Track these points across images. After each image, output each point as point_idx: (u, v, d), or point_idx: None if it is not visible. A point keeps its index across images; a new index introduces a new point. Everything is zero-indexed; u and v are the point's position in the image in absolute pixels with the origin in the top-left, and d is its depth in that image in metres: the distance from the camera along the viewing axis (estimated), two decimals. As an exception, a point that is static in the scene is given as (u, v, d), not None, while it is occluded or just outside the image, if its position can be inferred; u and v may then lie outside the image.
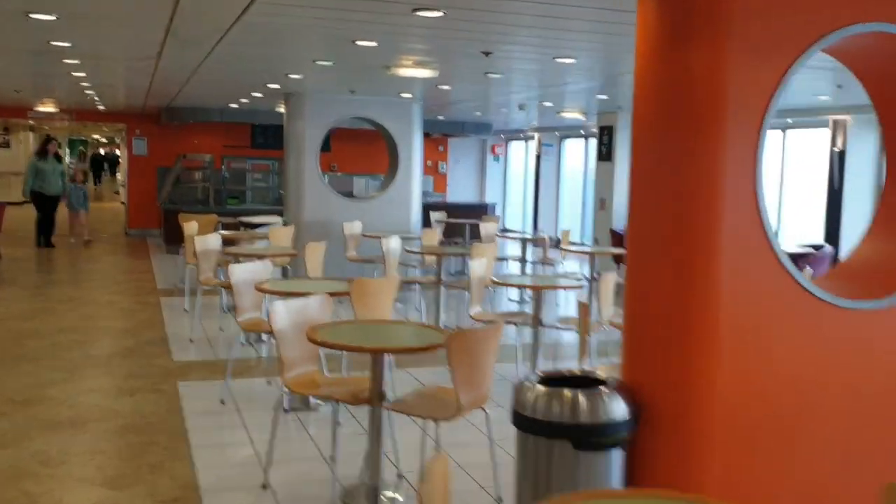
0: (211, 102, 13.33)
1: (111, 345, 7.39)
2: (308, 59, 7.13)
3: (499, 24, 5.38)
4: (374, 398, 3.98)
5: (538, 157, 17.55)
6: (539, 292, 6.32)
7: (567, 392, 3.02)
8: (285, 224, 10.53)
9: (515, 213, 19.53)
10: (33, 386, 5.99)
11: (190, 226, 9.22)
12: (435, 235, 9.76)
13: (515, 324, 6.59)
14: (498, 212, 17.67)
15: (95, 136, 40.16)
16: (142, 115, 16.75)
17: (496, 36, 5.85)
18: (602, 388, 3.09)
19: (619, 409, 3.03)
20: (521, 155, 19.38)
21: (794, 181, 11.51)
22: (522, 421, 3.09)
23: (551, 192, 17.54)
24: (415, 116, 10.91)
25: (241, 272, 5.85)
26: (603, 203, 12.15)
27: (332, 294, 5.16)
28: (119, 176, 28.91)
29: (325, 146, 18.49)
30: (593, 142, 16.06)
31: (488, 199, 19.39)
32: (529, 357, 6.23)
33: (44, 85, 11.72)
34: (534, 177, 17.79)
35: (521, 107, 11.22)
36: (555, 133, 17.11)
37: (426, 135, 18.87)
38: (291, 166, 10.62)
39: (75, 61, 8.41)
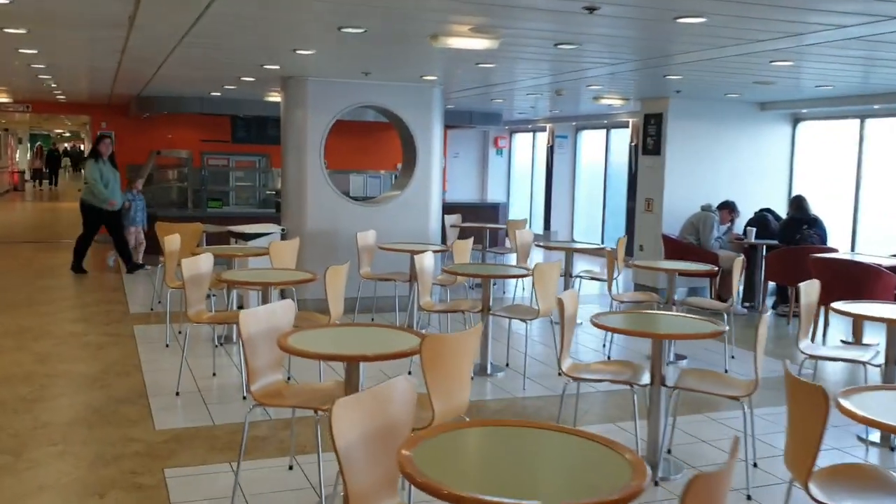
0: (189, 90, 11.50)
1: (73, 404, 5.62)
2: (333, 26, 5.39)
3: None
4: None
5: (550, 150, 15.90)
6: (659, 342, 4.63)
7: None
8: (284, 236, 8.79)
9: (520, 212, 17.86)
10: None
11: (171, 240, 7.45)
12: (467, 248, 8.05)
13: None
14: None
15: (58, 131, 37.67)
16: (108, 107, 14.86)
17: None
18: None
19: None
20: (527, 148, 17.72)
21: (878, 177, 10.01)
22: None
23: (565, 189, 15.91)
24: (435, 104, 9.21)
25: (255, 322, 4.12)
26: (649, 203, 10.53)
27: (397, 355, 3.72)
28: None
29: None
30: (618, 133, 14.45)
31: (490, 197, 17.74)
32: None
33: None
34: (544, 172, 16.13)
35: (558, 92, 9.57)
36: (570, 124, 15.48)
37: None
38: (291, 164, 8.87)
39: (20, 30, 6.56)
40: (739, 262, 7.20)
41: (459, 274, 6.67)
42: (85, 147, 27.17)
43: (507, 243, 11.62)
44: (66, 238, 15.59)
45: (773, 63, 6.66)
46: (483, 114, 14.68)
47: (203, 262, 6.12)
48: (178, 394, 5.87)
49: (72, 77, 10.17)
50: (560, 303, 4.69)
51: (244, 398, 5.80)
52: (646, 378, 4.58)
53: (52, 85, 10.84)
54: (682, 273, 7.45)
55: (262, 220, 12.58)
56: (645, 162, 10.60)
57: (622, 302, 7.53)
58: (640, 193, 10.80)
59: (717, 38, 5.59)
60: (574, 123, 15.20)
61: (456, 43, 5.44)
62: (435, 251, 8.02)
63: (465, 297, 8.55)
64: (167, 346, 7.29)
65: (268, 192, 13.87)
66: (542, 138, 16.57)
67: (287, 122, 8.87)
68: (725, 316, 7.27)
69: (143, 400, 5.72)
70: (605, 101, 10.51)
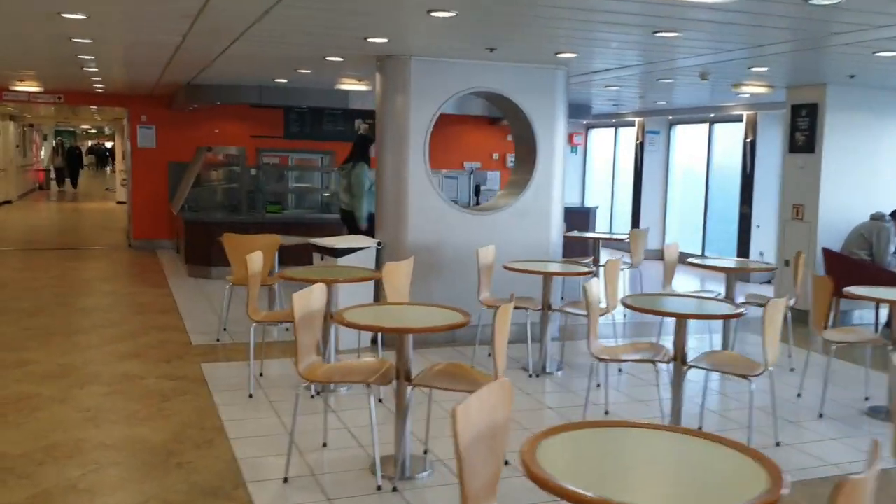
0: (249, 77, 9.88)
1: (143, 498, 4.02)
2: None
3: None
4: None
5: (640, 148, 14.19)
6: None
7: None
8: (380, 251, 7.17)
9: (598, 217, 16.13)
10: None
11: (254, 259, 5.83)
12: (615, 270, 6.37)
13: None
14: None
15: (85, 127, 36.15)
16: (149, 98, 13.32)
17: None
18: None
19: None
20: (606, 145, 16.01)
21: None
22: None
23: (656, 191, 14.19)
24: (559, 90, 7.55)
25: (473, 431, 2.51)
26: (798, 210, 8.82)
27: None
28: (116, 168, 25.01)
29: (373, 135, 15.15)
30: (724, 128, 12.73)
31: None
32: None
33: (26, 54, 8.35)
34: (632, 173, 14.42)
35: (703, 76, 7.89)
36: (664, 117, 13.76)
37: (490, 120, 15.61)
38: (388, 164, 7.25)
39: (78, 16, 5.03)
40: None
41: (645, 311, 4.99)
42: (118, 143, 25.32)
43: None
44: (96, 245, 14.11)
45: None
46: (573, 105, 12.81)
47: (317, 297, 4.49)
48: (286, 480, 4.25)
49: (119, 60, 8.60)
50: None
51: (379, 488, 4.17)
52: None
53: (93, 67, 9.27)
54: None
55: (329, 228, 11.01)
56: (794, 161, 8.88)
57: (837, 343, 5.82)
58: (785, 198, 9.07)
59: None
60: (669, 117, 13.47)
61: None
62: (581, 273, 6.37)
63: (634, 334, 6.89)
64: (250, 396, 5.68)
65: (325, 195, 12.27)
66: (628, 134, 14.87)
67: (384, 112, 7.24)
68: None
69: (239, 491, 4.11)
70: (747, 90, 8.80)
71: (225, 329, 7.57)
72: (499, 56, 6.97)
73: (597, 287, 5.19)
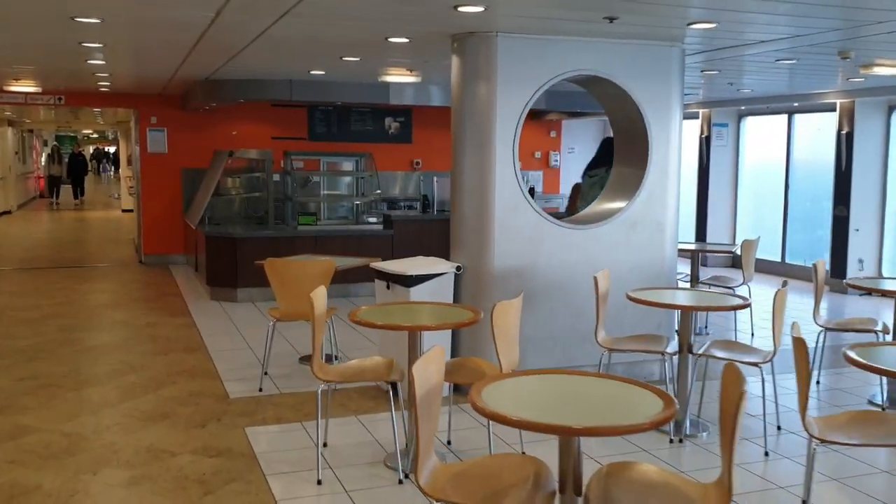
0: (281, 68, 8.45)
1: None
2: None
3: None
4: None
5: (705, 142, 12.76)
6: None
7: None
8: (460, 276, 5.76)
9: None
10: None
11: (319, 298, 4.40)
12: (783, 303, 4.92)
13: None
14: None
15: (87, 132, 34.67)
16: (159, 98, 11.93)
17: None
18: None
19: None
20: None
21: None
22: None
23: (724, 190, 12.75)
24: (675, 73, 6.13)
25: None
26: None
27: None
28: (121, 175, 23.32)
29: (406, 135, 13.81)
30: (807, 119, 11.30)
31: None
32: None
33: (25, 50, 6.96)
34: (696, 170, 12.98)
35: (844, 55, 6.48)
36: (733, 108, 12.33)
37: (531, 114, 14.19)
38: (467, 167, 5.83)
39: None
40: None
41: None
42: (122, 147, 23.51)
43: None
44: (102, 261, 12.73)
45: None
46: None
47: (438, 366, 3.09)
48: None
49: (132, 48, 7.21)
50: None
51: None
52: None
53: (99, 61, 7.87)
54: None
55: (371, 242, 9.62)
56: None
57: None
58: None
59: None
60: (743, 107, 12.02)
61: None
62: (735, 307, 4.93)
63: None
64: (319, 482, 4.27)
65: (357, 202, 10.87)
66: (689, 127, 13.42)
67: (463, 104, 5.82)
68: None
69: None
70: (879, 71, 7.37)
71: (266, 373, 6.17)
72: (602, 31, 5.57)
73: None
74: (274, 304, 6.37)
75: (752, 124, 12.51)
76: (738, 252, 7.84)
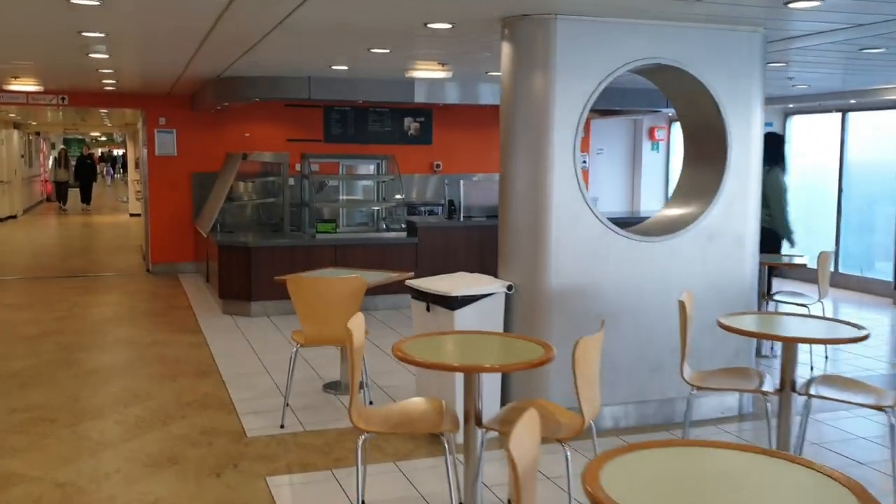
0: (299, 64, 7.71)
1: None
2: None
3: None
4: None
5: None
6: None
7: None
8: (511, 296, 5.00)
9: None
10: None
11: (357, 328, 3.64)
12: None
13: None
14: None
15: (95, 134, 34.06)
16: (167, 98, 11.23)
17: None
18: None
19: None
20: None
21: None
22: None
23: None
24: (756, 61, 5.35)
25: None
26: None
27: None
28: (129, 178, 22.51)
29: (426, 136, 13.06)
30: (861, 117, 10.51)
31: (643, 206, 13.83)
32: None
33: (21, 42, 6.25)
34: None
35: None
36: (778, 107, 11.53)
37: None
38: (519, 170, 5.07)
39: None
40: None
41: None
42: (129, 150, 22.70)
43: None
44: (108, 270, 12.03)
45: None
46: (640, 91, 10.48)
47: (535, 427, 2.33)
48: None
49: (139, 41, 6.49)
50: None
51: None
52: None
53: (102, 55, 7.15)
54: None
55: (396, 252, 8.89)
56: None
57: None
58: None
59: None
60: (791, 105, 11.22)
61: None
62: (854, 339, 4.15)
63: None
64: (362, 555, 3.52)
65: (377, 208, 10.11)
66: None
67: (514, 96, 5.06)
68: None
69: None
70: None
71: (287, 404, 5.43)
72: (678, 13, 4.81)
73: None
74: (289, 318, 5.64)
75: (799, 123, 11.71)
76: (810, 264, 7.05)
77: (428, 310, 4.98)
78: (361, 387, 5.72)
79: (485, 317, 4.86)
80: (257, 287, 8.47)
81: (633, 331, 5.18)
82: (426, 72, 7.79)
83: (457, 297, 4.77)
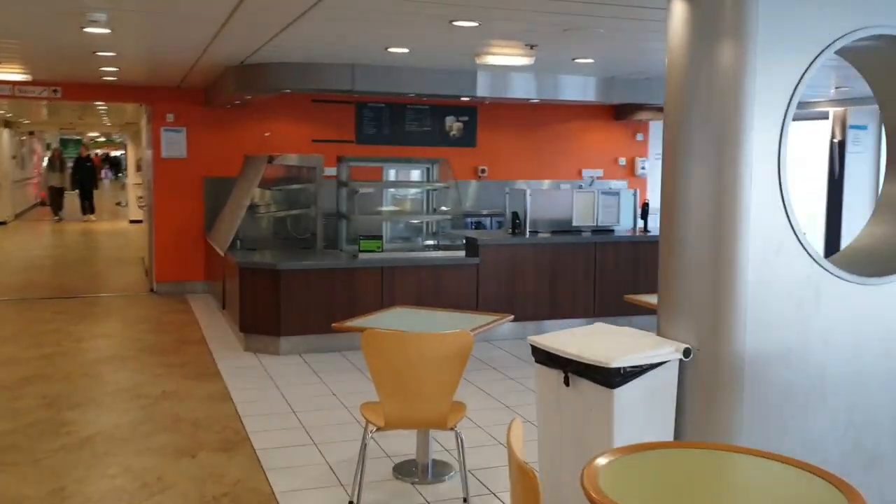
0: (345, 46, 6.20)
1: None
2: None
3: None
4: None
5: (838, 148, 10.50)
6: None
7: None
8: (686, 364, 3.48)
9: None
10: None
11: (515, 439, 2.14)
12: None
13: None
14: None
15: (93, 134, 32.43)
16: (176, 92, 9.74)
17: None
18: None
19: None
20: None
21: None
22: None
23: (864, 207, 10.47)
24: None
25: None
26: None
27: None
28: (130, 181, 20.77)
29: (470, 138, 11.57)
30: None
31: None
32: None
33: (5, 14, 4.78)
34: (826, 181, 10.71)
35: None
36: (874, 108, 10.04)
37: (615, 112, 11.96)
38: (693, 179, 3.57)
39: None
40: None
41: None
42: (129, 152, 20.82)
43: None
44: (107, 290, 10.52)
45: None
46: None
47: None
48: None
49: (149, 22, 4.98)
50: None
51: None
52: None
53: (104, 29, 5.62)
54: None
55: (456, 274, 7.42)
56: None
57: None
58: None
59: None
60: (897, 106, 9.74)
61: None
62: None
63: None
64: None
65: (429, 220, 8.62)
66: (815, 130, 11.16)
67: (689, 78, 3.56)
68: None
69: None
70: None
71: (352, 502, 3.92)
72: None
73: None
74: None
75: (900, 127, 10.22)
76: None
77: (567, 383, 3.47)
78: (447, 467, 4.22)
79: (654, 397, 3.37)
80: (287, 319, 6.98)
81: (845, 411, 3.68)
82: (504, 57, 6.28)
83: (620, 369, 3.26)
